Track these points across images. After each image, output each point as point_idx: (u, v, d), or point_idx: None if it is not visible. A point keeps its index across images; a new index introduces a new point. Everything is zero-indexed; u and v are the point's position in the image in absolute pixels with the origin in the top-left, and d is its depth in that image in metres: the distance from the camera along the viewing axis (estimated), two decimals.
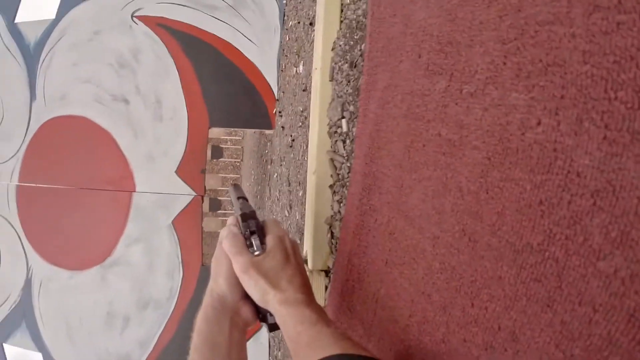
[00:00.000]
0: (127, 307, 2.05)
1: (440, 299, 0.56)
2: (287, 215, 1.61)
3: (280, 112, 1.91)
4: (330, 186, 0.99)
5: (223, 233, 0.73)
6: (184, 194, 2.06)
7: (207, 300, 0.70)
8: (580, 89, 0.40)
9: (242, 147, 4.14)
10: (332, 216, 0.99)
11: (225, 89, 2.05)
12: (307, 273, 1.01)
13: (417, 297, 0.61)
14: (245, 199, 0.80)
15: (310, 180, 1.04)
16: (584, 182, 0.39)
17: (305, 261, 1.08)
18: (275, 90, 2.06)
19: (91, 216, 2.06)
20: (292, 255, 0.71)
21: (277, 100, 2.02)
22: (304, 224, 1.31)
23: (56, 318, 2.06)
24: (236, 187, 0.85)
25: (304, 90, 1.44)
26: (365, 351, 0.56)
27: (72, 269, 2.05)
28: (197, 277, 2.03)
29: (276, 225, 0.75)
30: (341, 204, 0.95)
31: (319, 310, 0.63)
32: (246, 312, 0.71)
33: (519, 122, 0.47)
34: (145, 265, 2.04)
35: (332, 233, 0.99)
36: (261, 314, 0.71)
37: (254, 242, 0.70)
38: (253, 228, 0.71)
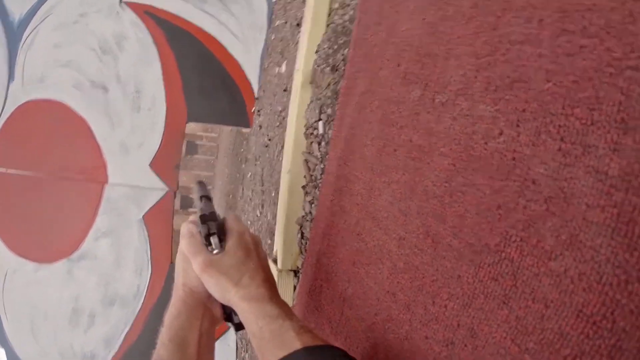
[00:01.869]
0: (93, 303, 2.00)
1: (404, 298, 0.58)
2: (258, 215, 1.62)
3: (259, 111, 1.91)
4: (303, 187, 1.01)
5: (182, 230, 0.72)
6: (156, 189, 2.03)
7: (178, 294, 0.69)
8: (541, 104, 0.43)
9: (218, 145, 4.11)
10: (303, 216, 1.01)
11: (206, 83, 2.03)
12: (276, 272, 1.03)
13: (383, 296, 0.63)
14: (208, 197, 0.79)
15: (284, 180, 1.05)
16: (538, 189, 0.42)
17: (275, 261, 1.09)
18: (255, 88, 2.05)
19: (61, 206, 2.01)
20: (254, 250, 0.71)
21: (257, 99, 2.02)
22: (275, 225, 1.32)
23: (20, 312, 2.00)
24: (201, 184, 0.84)
25: (284, 91, 1.45)
26: (324, 341, 0.57)
27: (39, 261, 2.00)
28: (166, 275, 2.00)
29: (236, 222, 0.74)
30: (313, 205, 0.96)
31: (280, 305, 0.63)
32: (214, 310, 0.71)
33: (483, 131, 0.49)
34: (113, 260, 2.01)
35: (302, 233, 1.01)
36: (226, 314, 0.71)
37: (212, 241, 0.69)
38: (213, 230, 0.70)
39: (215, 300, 0.69)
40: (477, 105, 0.51)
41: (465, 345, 0.48)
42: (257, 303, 0.62)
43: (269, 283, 0.67)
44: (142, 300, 2.02)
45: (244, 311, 0.63)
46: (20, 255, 2.01)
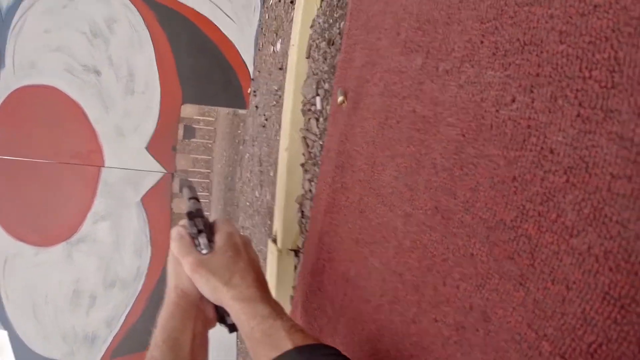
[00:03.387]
0: (93, 285, 2.01)
1: (412, 278, 0.55)
2: (257, 196, 1.60)
3: (255, 91, 1.88)
4: (302, 164, 0.98)
5: (172, 234, 0.72)
6: (154, 171, 2.02)
7: (170, 297, 0.68)
8: (555, 68, 0.40)
9: (215, 129, 4.08)
10: (303, 195, 0.98)
11: (200, 65, 2.01)
12: (276, 252, 1.00)
13: (389, 276, 0.60)
14: (197, 199, 0.79)
15: (282, 158, 1.02)
16: (557, 159, 0.39)
17: (275, 240, 1.07)
18: (251, 69, 2.02)
19: (58, 191, 2.00)
20: (244, 251, 0.71)
21: (253, 79, 1.99)
22: (274, 204, 1.29)
23: (21, 295, 2.01)
24: (190, 187, 0.84)
25: (279, 69, 1.42)
26: (315, 340, 0.58)
27: (38, 245, 2.00)
28: (166, 256, 2.00)
29: (226, 223, 0.74)
30: (312, 183, 0.93)
31: (272, 304, 0.64)
32: (207, 311, 0.70)
33: (493, 99, 0.46)
34: (113, 243, 2.01)
35: (302, 212, 0.98)
36: (219, 315, 0.71)
37: (200, 242, 0.70)
38: (200, 227, 0.70)
39: (208, 302, 0.69)
40: (484, 71, 0.48)
41: (477, 330, 0.45)
42: (249, 303, 0.63)
43: (260, 283, 0.68)
44: (142, 282, 2.02)
45: (236, 311, 0.63)
46: (19, 240, 2.00)
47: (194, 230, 0.70)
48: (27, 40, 1.97)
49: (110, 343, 2.04)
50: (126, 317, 2.03)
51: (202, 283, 0.66)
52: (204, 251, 0.69)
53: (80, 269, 2.00)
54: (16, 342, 2.03)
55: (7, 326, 2.02)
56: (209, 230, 0.71)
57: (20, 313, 2.02)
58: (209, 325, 0.71)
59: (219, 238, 0.70)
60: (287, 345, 0.56)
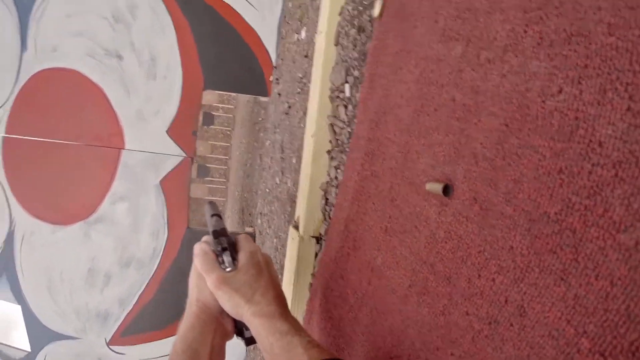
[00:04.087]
0: (109, 264, 2.02)
1: (444, 269, 0.54)
2: (277, 182, 1.59)
3: (277, 79, 1.87)
4: (328, 152, 0.97)
5: (196, 250, 0.75)
6: (174, 155, 2.02)
7: (192, 309, 0.72)
8: (604, 60, 0.39)
9: (234, 116, 4.09)
10: (327, 182, 0.97)
11: (222, 52, 2.00)
12: (297, 238, 1.00)
13: (419, 267, 0.59)
14: (219, 216, 0.82)
15: (308, 144, 1.01)
16: (606, 152, 0.37)
17: (296, 227, 1.06)
18: (273, 57, 2.02)
19: (78, 172, 2.02)
20: (265, 269, 0.74)
21: (275, 67, 1.98)
22: (295, 192, 1.29)
23: (37, 272, 2.03)
24: (212, 204, 0.87)
25: (305, 57, 1.41)
26: (330, 355, 0.59)
27: (56, 223, 2.01)
28: (182, 238, 2.01)
29: (248, 241, 0.77)
30: (338, 170, 0.92)
31: (290, 321, 0.66)
32: (226, 324, 0.73)
33: (539, 89, 0.45)
34: (130, 223, 2.02)
35: (326, 199, 0.97)
36: (237, 328, 0.74)
37: (225, 259, 0.72)
38: (224, 245, 0.73)
39: (228, 316, 0.72)
40: (529, 61, 0.47)
41: (512, 325, 0.44)
42: (268, 319, 0.65)
43: (280, 300, 0.70)
44: (157, 262, 2.04)
45: (255, 327, 0.66)
46: (37, 218, 2.02)
47: (218, 248, 0.73)
48: (49, 25, 1.97)
49: (122, 321, 2.05)
50: (139, 296, 2.04)
51: (225, 299, 0.69)
52: (228, 269, 0.72)
53: (97, 248, 2.02)
54: (29, 317, 2.05)
55: (21, 301, 2.05)
56: (232, 248, 0.74)
57: (35, 289, 2.04)
58: (227, 337, 0.74)
59: (242, 256, 0.73)
60: None
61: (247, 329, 0.70)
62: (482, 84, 0.52)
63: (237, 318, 0.70)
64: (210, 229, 0.77)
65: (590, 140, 0.39)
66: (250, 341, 0.72)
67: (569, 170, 0.40)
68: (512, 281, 0.44)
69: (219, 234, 0.75)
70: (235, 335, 0.75)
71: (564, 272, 0.40)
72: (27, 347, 2.09)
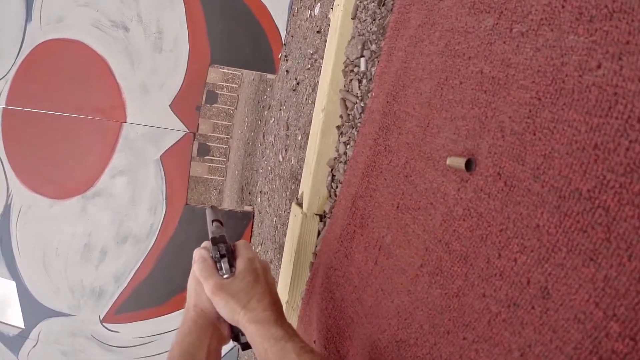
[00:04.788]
0: (105, 240, 2.00)
1: (460, 248, 0.52)
2: (281, 160, 1.57)
3: (286, 56, 1.84)
4: (338, 127, 0.94)
5: (195, 256, 0.76)
6: (175, 130, 1.99)
7: (189, 314, 0.73)
8: None
9: (238, 95, 4.05)
10: (335, 158, 0.94)
11: (231, 27, 1.97)
12: (301, 216, 0.97)
13: (433, 246, 0.56)
14: (220, 222, 0.83)
15: (317, 118, 0.98)
16: None
17: (300, 204, 1.04)
18: (283, 34, 1.98)
19: (78, 144, 1.99)
20: (262, 275, 0.75)
21: (284, 44, 1.95)
22: (299, 169, 1.26)
23: (33, 247, 2.00)
24: (213, 209, 0.89)
25: (317, 32, 1.38)
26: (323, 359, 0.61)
27: (53, 197, 1.99)
28: (180, 215, 1.99)
29: (246, 248, 0.79)
30: (348, 146, 0.90)
31: (285, 327, 0.67)
32: (222, 329, 0.74)
33: (576, 63, 0.43)
34: (128, 198, 1.99)
35: (333, 176, 0.95)
36: (234, 334, 0.75)
37: (223, 266, 0.74)
38: (223, 252, 0.75)
39: (224, 321, 0.73)
40: (566, 35, 0.44)
41: (533, 307, 0.42)
42: (263, 325, 0.66)
43: (276, 306, 0.71)
44: (154, 239, 2.02)
45: (251, 333, 0.67)
46: (35, 192, 1.99)
47: (217, 255, 0.74)
48: None
49: (117, 298, 2.04)
50: (135, 273, 2.03)
51: (222, 305, 0.70)
52: (226, 276, 0.73)
53: (94, 223, 2.00)
54: (24, 293, 2.03)
55: (16, 277, 2.03)
56: (230, 255, 0.75)
57: (30, 265, 2.02)
58: (223, 342, 0.75)
59: (240, 263, 0.75)
60: None
61: (243, 334, 0.71)
62: (514, 56, 0.50)
63: (233, 324, 0.71)
64: (210, 236, 0.78)
65: (629, 117, 0.37)
66: (246, 346, 0.73)
67: (605, 146, 0.38)
68: (536, 261, 0.42)
69: (218, 240, 0.76)
70: (231, 340, 0.76)
71: (594, 252, 0.37)
72: (20, 324, 2.08)
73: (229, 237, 0.79)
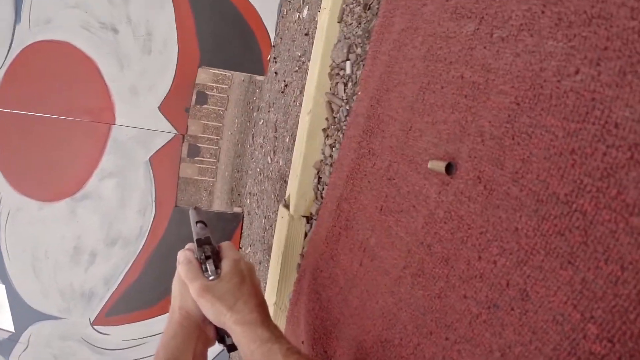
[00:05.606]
0: (95, 242, 1.99)
1: (442, 251, 0.53)
2: (269, 162, 1.57)
3: (275, 58, 1.84)
4: (324, 130, 0.95)
5: (180, 257, 0.76)
6: (164, 132, 1.99)
7: (174, 317, 0.72)
8: (625, 43, 0.38)
9: (228, 96, 4.04)
10: (321, 160, 0.95)
11: (220, 29, 1.97)
12: (287, 218, 0.98)
13: (415, 248, 0.57)
14: (204, 223, 0.83)
15: (304, 121, 0.99)
16: (622, 134, 0.36)
17: (287, 206, 1.04)
18: (272, 36, 1.99)
19: (66, 147, 1.97)
20: (248, 277, 0.74)
21: (273, 46, 1.95)
22: (287, 171, 1.27)
23: (22, 250, 1.99)
24: (197, 210, 0.89)
25: (305, 35, 1.38)
26: None
27: (43, 200, 1.97)
28: (169, 217, 1.98)
29: (232, 249, 0.78)
30: (334, 149, 0.90)
31: (271, 328, 0.67)
32: (208, 332, 0.74)
33: (554, 69, 0.43)
34: (117, 200, 1.99)
35: (319, 178, 0.95)
36: (220, 336, 0.75)
37: (208, 267, 0.73)
38: (208, 253, 0.74)
39: (210, 323, 0.72)
40: (545, 41, 0.45)
41: (512, 309, 0.42)
42: (250, 327, 0.66)
43: (262, 308, 0.71)
44: (144, 241, 2.01)
45: (237, 334, 0.67)
46: (24, 194, 1.98)
47: (202, 256, 0.74)
48: None
49: (107, 301, 2.03)
50: (124, 276, 2.02)
51: (207, 307, 0.69)
52: (211, 277, 0.72)
53: (83, 225, 1.98)
54: (13, 296, 2.02)
55: (5, 281, 2.01)
56: (215, 256, 0.75)
57: (19, 268, 2.00)
58: (209, 344, 0.75)
59: (225, 264, 0.74)
60: None
61: (229, 336, 0.71)
62: (494, 62, 0.51)
63: (220, 326, 0.71)
64: (195, 237, 0.78)
65: (606, 122, 0.38)
66: (232, 348, 0.73)
67: (582, 151, 0.39)
68: (515, 264, 0.43)
69: (203, 242, 0.76)
70: (217, 342, 0.76)
71: (571, 255, 0.38)
72: (10, 328, 2.06)
73: (217, 238, 0.78)
